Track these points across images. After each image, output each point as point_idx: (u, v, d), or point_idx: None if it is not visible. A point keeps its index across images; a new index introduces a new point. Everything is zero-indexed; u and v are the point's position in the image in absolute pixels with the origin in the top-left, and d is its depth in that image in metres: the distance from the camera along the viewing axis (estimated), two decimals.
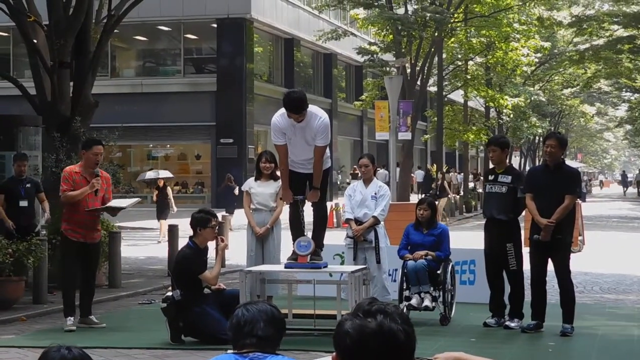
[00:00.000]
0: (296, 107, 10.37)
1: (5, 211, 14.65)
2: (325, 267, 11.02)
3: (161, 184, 26.84)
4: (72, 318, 11.83)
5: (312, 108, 10.63)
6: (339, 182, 49.95)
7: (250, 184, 12.92)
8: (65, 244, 11.99)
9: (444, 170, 45.30)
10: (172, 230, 17.76)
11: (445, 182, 38.20)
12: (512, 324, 11.52)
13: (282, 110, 10.58)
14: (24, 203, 14.78)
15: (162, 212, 26.09)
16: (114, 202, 12.62)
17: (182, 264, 10.94)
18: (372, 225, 12.07)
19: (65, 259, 12.15)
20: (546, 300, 11.41)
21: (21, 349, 10.70)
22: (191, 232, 11.13)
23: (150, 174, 29.70)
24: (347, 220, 12.51)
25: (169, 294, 11.00)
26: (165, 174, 29.06)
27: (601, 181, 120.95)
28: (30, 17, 17.65)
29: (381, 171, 40.72)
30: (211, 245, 11.49)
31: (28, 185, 14.87)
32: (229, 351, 4.08)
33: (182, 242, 17.34)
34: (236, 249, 18.10)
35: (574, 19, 50.32)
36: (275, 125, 10.70)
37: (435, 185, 45.79)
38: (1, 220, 14.56)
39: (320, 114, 10.70)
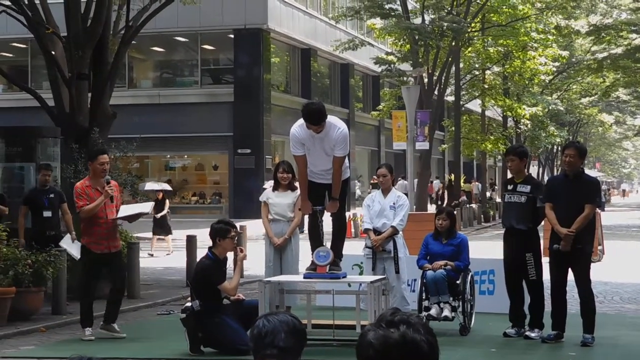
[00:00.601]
0: (315, 119, 10.39)
1: (30, 221, 14.77)
2: (344, 277, 11.01)
3: (160, 196, 26.02)
4: (90, 329, 11.91)
5: (331, 118, 10.64)
6: (356, 193, 49.89)
7: (268, 194, 12.91)
8: (88, 256, 12.06)
9: (448, 179, 45.31)
10: (191, 241, 17.76)
11: (445, 192, 38.10)
12: (533, 334, 11.46)
13: (301, 121, 10.59)
14: (47, 213, 14.82)
15: (161, 226, 25.66)
16: (132, 209, 12.69)
17: (201, 275, 10.93)
18: (391, 235, 12.04)
19: (86, 270, 12.20)
20: (566, 310, 11.34)
21: None
22: (210, 243, 11.13)
23: (150, 185, 28.94)
24: (366, 231, 12.49)
25: (188, 304, 10.99)
26: (165, 186, 28.52)
27: (624, 190, 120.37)
28: (48, 29, 17.75)
29: (401, 182, 40.65)
30: (230, 255, 11.48)
31: (52, 195, 14.92)
32: None
33: (201, 253, 17.39)
34: (254, 259, 18.09)
35: (591, 27, 50.16)
36: (294, 136, 10.71)
37: (436, 194, 45.75)
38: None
39: (339, 125, 10.72)
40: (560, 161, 12.46)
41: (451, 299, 11.79)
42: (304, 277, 11.08)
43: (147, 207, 13.50)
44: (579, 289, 11.24)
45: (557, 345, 11.07)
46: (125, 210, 12.42)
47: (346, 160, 10.85)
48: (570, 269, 11.19)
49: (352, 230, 30.96)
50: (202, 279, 10.89)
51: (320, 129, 10.43)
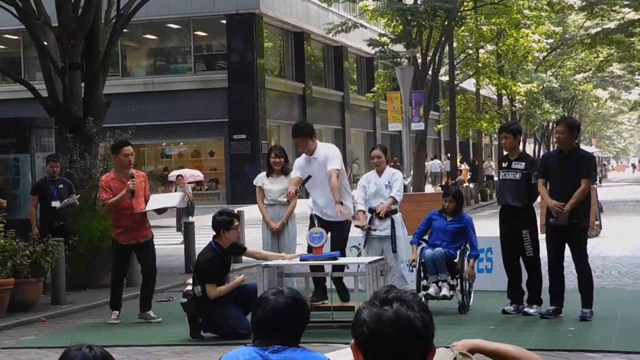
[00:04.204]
0: (302, 132, 11.72)
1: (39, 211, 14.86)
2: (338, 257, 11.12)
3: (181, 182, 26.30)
4: (117, 312, 12.27)
5: (320, 143, 11.97)
6: (353, 175, 49.91)
7: (263, 180, 12.93)
8: (117, 247, 12.26)
9: (472, 160, 45.22)
10: (188, 227, 17.77)
11: (469, 172, 38.14)
12: (531, 310, 11.49)
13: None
14: (56, 204, 14.86)
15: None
16: (160, 201, 12.79)
17: (204, 267, 10.87)
18: (392, 204, 12.10)
19: (116, 260, 12.44)
20: (564, 286, 11.36)
21: (41, 350, 10.74)
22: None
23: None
24: (359, 212, 12.53)
25: (189, 287, 10.98)
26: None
27: (612, 166, 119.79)
28: (39, 19, 17.70)
29: (433, 162, 40.82)
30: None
31: (61, 186, 15.01)
32: (248, 344, 4.09)
33: (199, 239, 17.42)
34: (252, 243, 18.11)
35: (584, 2, 50.09)
36: (297, 163, 11.94)
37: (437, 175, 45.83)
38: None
39: (331, 146, 12.14)
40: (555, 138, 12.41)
41: (449, 277, 11.81)
42: (301, 260, 11.13)
43: (175, 199, 13.59)
44: (576, 264, 11.26)
45: (556, 321, 11.11)
46: (155, 202, 12.46)
47: (349, 205, 11.91)
48: (567, 245, 11.21)
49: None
50: (204, 271, 10.85)
51: (308, 146, 11.61)
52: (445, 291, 11.72)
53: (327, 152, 11.70)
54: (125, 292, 15.11)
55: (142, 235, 12.14)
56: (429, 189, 44.94)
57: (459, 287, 11.84)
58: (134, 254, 12.73)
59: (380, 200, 12.21)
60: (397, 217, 12.26)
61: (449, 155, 51.00)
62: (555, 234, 11.10)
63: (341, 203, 11.35)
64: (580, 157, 11.29)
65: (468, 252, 12.11)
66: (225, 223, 10.88)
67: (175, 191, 26.07)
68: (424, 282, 11.84)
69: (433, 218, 12.18)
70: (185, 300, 10.89)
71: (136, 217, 12.03)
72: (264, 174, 13.02)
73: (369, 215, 12.28)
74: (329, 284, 11.82)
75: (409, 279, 12.26)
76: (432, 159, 55.51)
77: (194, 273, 11.17)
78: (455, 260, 11.85)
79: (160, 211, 12.62)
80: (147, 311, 12.26)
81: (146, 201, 12.17)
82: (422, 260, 11.85)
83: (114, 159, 12.30)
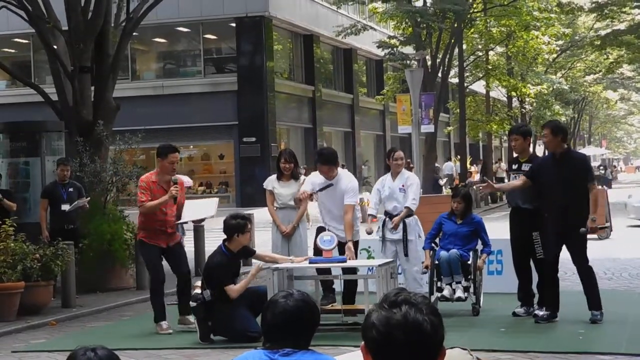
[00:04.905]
0: (328, 160, 11.63)
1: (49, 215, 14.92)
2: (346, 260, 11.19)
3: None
4: (165, 322, 11.61)
5: (343, 171, 12.08)
6: (363, 178, 49.89)
7: (273, 183, 12.93)
8: (145, 248, 11.68)
9: (481, 162, 45.08)
10: (198, 230, 17.76)
11: (478, 174, 38.20)
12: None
13: (316, 172, 11.90)
14: (66, 207, 14.90)
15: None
16: (196, 211, 12.52)
17: (215, 271, 10.87)
18: (406, 215, 12.08)
19: (149, 263, 11.86)
20: (559, 289, 11.27)
21: (51, 353, 10.76)
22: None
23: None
24: (370, 217, 12.54)
25: (197, 291, 10.98)
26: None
27: (621, 168, 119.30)
28: (49, 22, 17.74)
29: (447, 163, 41.23)
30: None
31: (71, 189, 15.06)
32: (258, 348, 4.08)
33: (208, 242, 17.41)
34: (262, 246, 18.09)
35: (594, 4, 49.99)
36: (311, 180, 11.98)
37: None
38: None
39: (351, 178, 12.02)
40: None
41: (463, 279, 11.78)
42: (310, 262, 11.14)
43: (212, 208, 13.24)
44: (577, 267, 11.20)
45: (566, 323, 11.05)
46: (192, 212, 12.09)
47: (357, 222, 11.91)
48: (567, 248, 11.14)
49: (360, 215, 30.90)
50: (214, 276, 10.85)
51: (332, 173, 11.58)
52: (459, 293, 11.70)
53: (347, 184, 11.66)
54: (135, 295, 15.16)
55: (172, 239, 11.66)
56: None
57: (472, 289, 11.81)
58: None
59: (394, 204, 12.21)
60: (411, 220, 12.23)
61: (459, 157, 50.91)
62: (553, 237, 11.02)
63: (351, 240, 11.46)
64: (573, 160, 11.21)
65: (481, 249, 12.08)
66: (240, 227, 10.88)
67: None
68: (438, 284, 11.82)
69: (443, 222, 12.15)
70: (194, 304, 10.90)
71: (166, 225, 11.57)
72: (274, 177, 13.00)
73: (381, 219, 12.33)
74: (338, 287, 11.83)
75: (423, 281, 12.24)
76: (446, 161, 55.47)
77: (202, 277, 11.17)
78: (469, 262, 11.83)
79: (198, 222, 12.28)
80: (185, 315, 11.67)
81: (180, 206, 11.70)
82: (437, 262, 11.82)
83: (158, 162, 11.65)
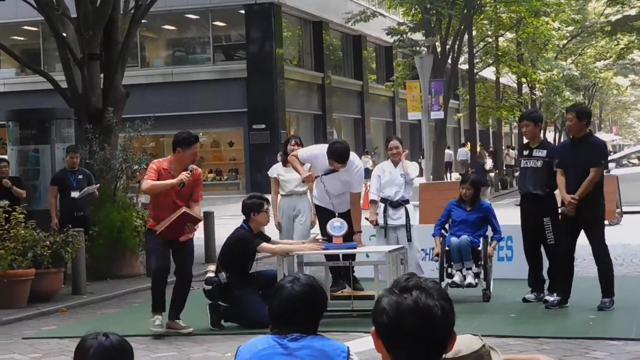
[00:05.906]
0: (342, 158, 10.99)
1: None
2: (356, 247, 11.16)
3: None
4: (159, 317, 10.66)
5: (351, 156, 11.28)
6: (370, 166, 49.86)
7: (279, 171, 12.91)
8: (153, 235, 10.80)
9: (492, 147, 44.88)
10: (208, 218, 17.75)
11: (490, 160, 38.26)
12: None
13: (324, 151, 11.18)
14: (75, 194, 14.93)
15: None
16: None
17: (239, 244, 10.82)
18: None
19: (156, 251, 10.92)
20: (573, 276, 11.23)
21: (62, 340, 10.77)
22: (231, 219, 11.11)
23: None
24: (371, 202, 12.52)
25: (211, 274, 10.95)
26: None
27: None
28: (58, 10, 17.73)
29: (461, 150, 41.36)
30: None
31: (80, 176, 15.08)
32: (267, 333, 4.07)
33: (219, 229, 17.41)
34: (269, 233, 18.08)
35: None
36: (314, 156, 11.43)
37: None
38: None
39: (357, 163, 11.51)
40: None
41: (474, 265, 11.76)
42: (324, 248, 11.12)
43: None
44: (595, 255, 11.16)
45: (576, 309, 11.03)
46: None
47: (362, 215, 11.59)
48: (585, 235, 11.10)
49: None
50: (237, 248, 10.80)
51: (344, 167, 11.05)
52: (470, 279, 11.68)
53: (354, 172, 11.30)
54: (145, 282, 15.15)
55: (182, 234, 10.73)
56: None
57: (483, 275, 11.79)
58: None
59: (395, 189, 12.31)
60: (409, 206, 12.32)
61: (469, 143, 50.83)
62: (569, 223, 10.99)
63: (360, 231, 11.36)
64: (591, 145, 11.15)
65: (491, 236, 12.06)
66: (255, 206, 10.87)
67: None
68: (448, 270, 11.80)
69: (452, 209, 12.12)
70: (209, 287, 10.87)
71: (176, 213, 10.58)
72: (279, 164, 12.99)
73: (381, 205, 12.34)
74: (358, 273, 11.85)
75: (424, 267, 12.26)
76: (460, 146, 55.39)
77: (218, 259, 11.13)
78: (479, 249, 11.80)
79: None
80: (175, 319, 10.81)
81: (196, 200, 10.84)
82: (447, 248, 11.80)
83: (177, 152, 10.59)
